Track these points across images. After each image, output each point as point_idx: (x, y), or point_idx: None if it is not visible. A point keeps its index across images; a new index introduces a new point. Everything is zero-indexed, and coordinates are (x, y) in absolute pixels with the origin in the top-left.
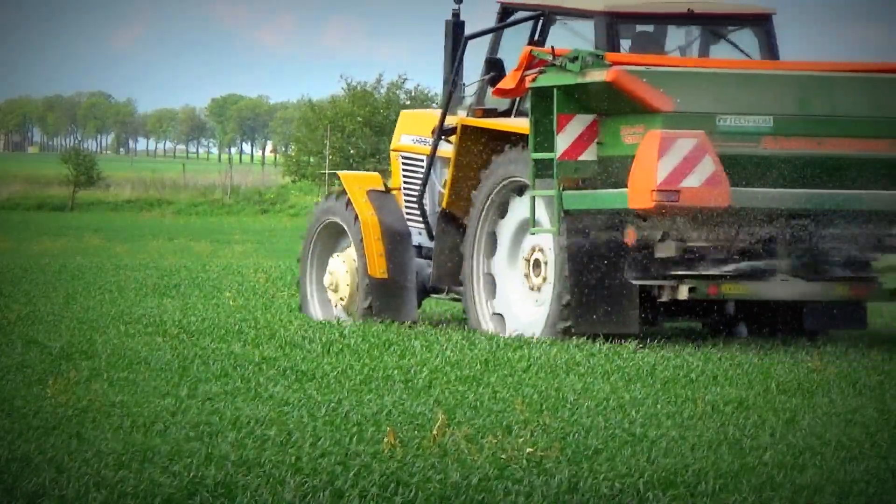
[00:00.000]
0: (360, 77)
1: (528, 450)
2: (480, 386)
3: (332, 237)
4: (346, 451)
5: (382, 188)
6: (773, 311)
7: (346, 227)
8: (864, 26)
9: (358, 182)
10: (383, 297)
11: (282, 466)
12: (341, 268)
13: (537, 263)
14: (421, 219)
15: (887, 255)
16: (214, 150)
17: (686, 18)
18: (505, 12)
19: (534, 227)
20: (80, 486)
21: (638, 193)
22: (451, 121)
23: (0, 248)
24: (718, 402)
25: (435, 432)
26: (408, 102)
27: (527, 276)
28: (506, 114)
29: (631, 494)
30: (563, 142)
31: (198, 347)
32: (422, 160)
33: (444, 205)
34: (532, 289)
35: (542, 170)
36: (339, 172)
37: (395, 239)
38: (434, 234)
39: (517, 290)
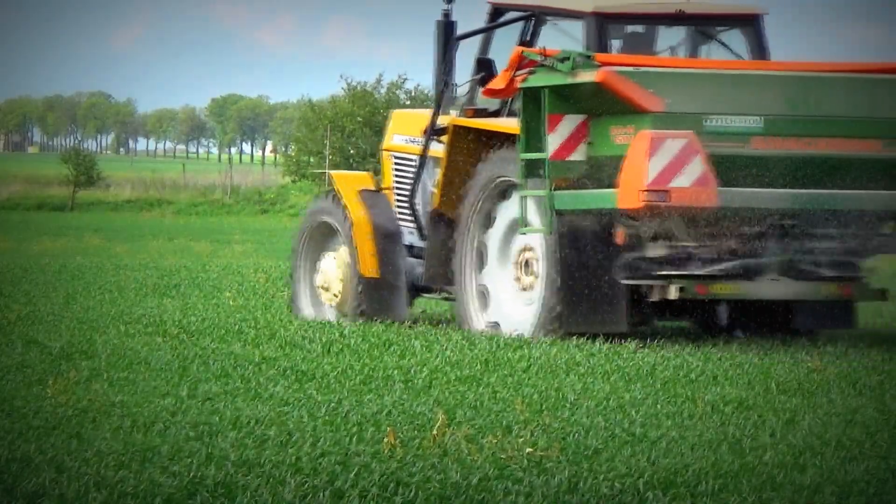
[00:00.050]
0: (360, 77)
1: (528, 450)
2: (480, 386)
3: (323, 237)
4: (346, 451)
5: (374, 188)
6: (763, 311)
7: (337, 227)
8: (864, 26)
9: (349, 182)
10: (374, 296)
11: (282, 466)
12: (333, 267)
13: (527, 263)
14: (412, 218)
15: (875, 255)
16: (214, 150)
17: (676, 19)
18: (495, 13)
19: (524, 226)
20: (80, 486)
21: (627, 193)
22: (442, 121)
23: (0, 248)
24: (718, 402)
25: (435, 432)
26: (408, 102)
27: (517, 276)
28: (497, 114)
29: (631, 494)
30: (553, 142)
31: (198, 347)
32: (413, 160)
33: (435, 204)
34: (522, 289)
35: (533, 170)
36: (330, 172)
37: (387, 238)
38: (425, 233)
39: (508, 290)
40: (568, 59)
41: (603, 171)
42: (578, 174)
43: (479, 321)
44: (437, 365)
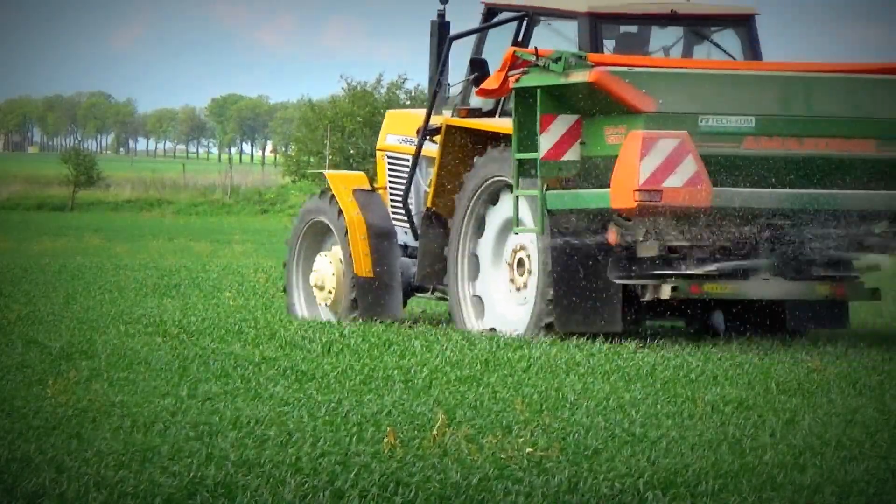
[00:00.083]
0: (360, 77)
1: (528, 450)
2: (480, 386)
3: (318, 236)
4: (346, 451)
5: (368, 188)
6: (756, 311)
7: (331, 227)
8: (864, 26)
9: (344, 181)
10: (369, 295)
11: (282, 466)
12: (327, 267)
13: (521, 263)
14: (406, 218)
15: (868, 255)
16: (214, 150)
17: (669, 19)
18: (489, 13)
19: (517, 226)
20: (80, 486)
21: (620, 193)
22: (436, 121)
23: (0, 248)
24: (718, 402)
25: (435, 432)
26: (408, 102)
27: (511, 275)
28: (490, 114)
29: (631, 494)
30: (546, 142)
31: (198, 347)
32: (407, 160)
33: (428, 204)
34: (516, 288)
35: (526, 170)
36: (324, 172)
37: (381, 238)
38: (419, 233)
39: (502, 290)
40: (561, 59)
41: (596, 171)
42: (571, 174)
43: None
44: (437, 365)
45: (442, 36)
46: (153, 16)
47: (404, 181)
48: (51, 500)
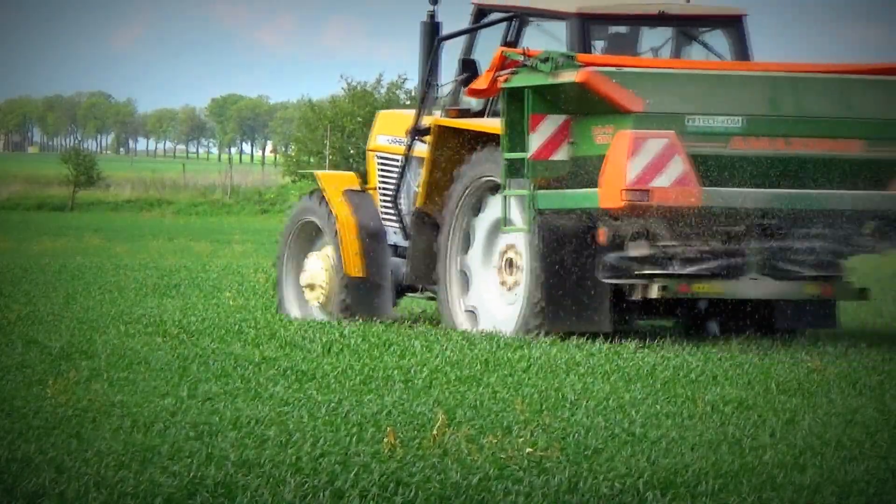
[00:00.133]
0: (360, 77)
1: (528, 450)
2: (480, 386)
3: (308, 236)
4: (346, 451)
5: (359, 188)
6: (745, 311)
7: (322, 227)
8: (864, 26)
9: (334, 182)
10: (359, 295)
11: (282, 466)
12: (318, 267)
13: (510, 262)
14: (396, 218)
15: (856, 255)
16: (214, 150)
17: (658, 20)
18: (479, 13)
19: (506, 226)
20: (80, 486)
21: (609, 193)
22: (426, 121)
23: (0, 248)
24: (718, 402)
25: (435, 432)
26: (408, 102)
27: (500, 274)
28: (480, 114)
29: (631, 494)
30: (535, 142)
31: (198, 347)
32: (398, 160)
33: (418, 204)
34: (505, 287)
35: (515, 169)
36: (315, 172)
37: (371, 238)
38: (409, 233)
39: (491, 288)
40: (549, 59)
41: (585, 171)
42: (560, 174)
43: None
44: (437, 365)
45: (432, 36)
46: (153, 16)
47: (395, 181)
48: (51, 500)
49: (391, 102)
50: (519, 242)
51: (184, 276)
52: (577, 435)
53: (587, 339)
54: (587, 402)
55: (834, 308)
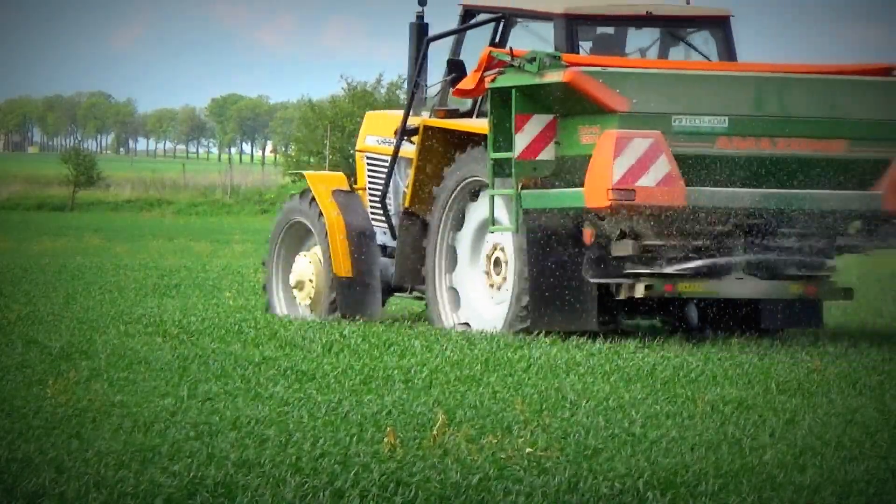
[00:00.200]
0: (360, 77)
1: (528, 450)
2: (480, 386)
3: (297, 237)
4: (346, 451)
5: (347, 188)
6: (731, 310)
7: (311, 227)
8: (864, 26)
9: (323, 182)
10: (348, 295)
11: (282, 466)
12: (307, 267)
13: (497, 262)
14: (385, 218)
15: (841, 255)
16: (214, 150)
17: (644, 20)
18: (467, 14)
19: (493, 225)
20: (80, 486)
21: (594, 192)
22: (413, 122)
23: (0, 248)
24: (718, 402)
25: (435, 432)
26: None
27: (487, 274)
28: (468, 114)
29: (631, 494)
30: (521, 141)
31: (198, 347)
32: (386, 160)
33: (406, 204)
34: (492, 287)
35: (502, 169)
36: (304, 172)
37: (360, 238)
38: (397, 233)
39: (478, 288)
40: (535, 59)
41: (571, 171)
42: (546, 173)
43: (449, 320)
44: (437, 365)
45: (420, 37)
46: (153, 16)
47: (383, 182)
48: (51, 500)
49: (391, 102)
50: (505, 242)
51: (184, 276)
52: (577, 435)
53: (587, 339)
54: (587, 402)
55: (820, 307)
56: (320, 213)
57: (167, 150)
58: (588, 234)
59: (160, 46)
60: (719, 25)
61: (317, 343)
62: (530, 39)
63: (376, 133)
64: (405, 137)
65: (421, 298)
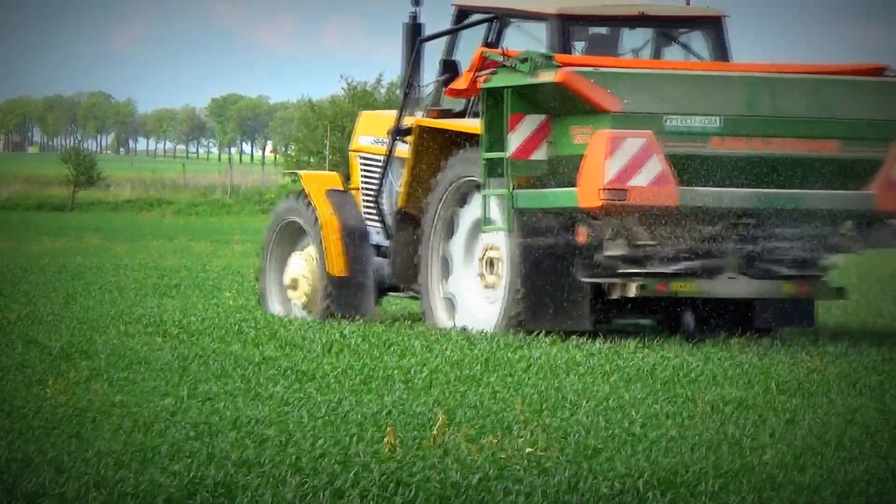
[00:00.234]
0: (360, 77)
1: (528, 450)
2: (480, 386)
3: (291, 236)
4: (346, 451)
5: (342, 188)
6: (724, 310)
7: (305, 227)
8: (864, 26)
9: (318, 182)
10: (342, 294)
11: (282, 466)
12: (301, 266)
13: (491, 262)
14: (378, 218)
15: (833, 254)
16: (214, 150)
17: (638, 21)
18: (461, 14)
19: (486, 225)
20: (80, 486)
21: (587, 192)
22: (407, 122)
23: (0, 248)
24: (718, 402)
25: (435, 432)
26: None
27: (481, 276)
28: (461, 114)
29: (631, 494)
30: (514, 141)
31: (198, 347)
32: (380, 160)
33: (400, 204)
34: (486, 286)
35: (495, 169)
36: (299, 172)
37: (354, 238)
38: (391, 233)
39: (472, 289)
40: (528, 59)
41: (564, 171)
42: (539, 173)
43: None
44: (437, 365)
45: (414, 38)
46: (153, 16)
47: (377, 181)
48: (51, 500)
49: (391, 102)
50: (499, 242)
51: (184, 276)
52: (577, 435)
53: (587, 339)
54: (587, 402)
55: (812, 307)
56: (314, 213)
57: (167, 150)
58: (581, 234)
59: (160, 46)
60: (713, 26)
61: (317, 343)
62: (524, 39)
63: (370, 133)
64: (399, 137)
65: (415, 298)
